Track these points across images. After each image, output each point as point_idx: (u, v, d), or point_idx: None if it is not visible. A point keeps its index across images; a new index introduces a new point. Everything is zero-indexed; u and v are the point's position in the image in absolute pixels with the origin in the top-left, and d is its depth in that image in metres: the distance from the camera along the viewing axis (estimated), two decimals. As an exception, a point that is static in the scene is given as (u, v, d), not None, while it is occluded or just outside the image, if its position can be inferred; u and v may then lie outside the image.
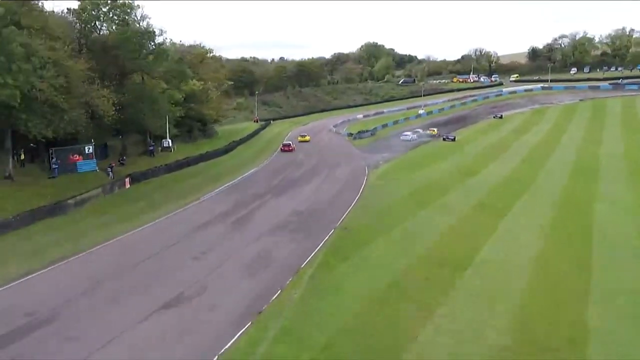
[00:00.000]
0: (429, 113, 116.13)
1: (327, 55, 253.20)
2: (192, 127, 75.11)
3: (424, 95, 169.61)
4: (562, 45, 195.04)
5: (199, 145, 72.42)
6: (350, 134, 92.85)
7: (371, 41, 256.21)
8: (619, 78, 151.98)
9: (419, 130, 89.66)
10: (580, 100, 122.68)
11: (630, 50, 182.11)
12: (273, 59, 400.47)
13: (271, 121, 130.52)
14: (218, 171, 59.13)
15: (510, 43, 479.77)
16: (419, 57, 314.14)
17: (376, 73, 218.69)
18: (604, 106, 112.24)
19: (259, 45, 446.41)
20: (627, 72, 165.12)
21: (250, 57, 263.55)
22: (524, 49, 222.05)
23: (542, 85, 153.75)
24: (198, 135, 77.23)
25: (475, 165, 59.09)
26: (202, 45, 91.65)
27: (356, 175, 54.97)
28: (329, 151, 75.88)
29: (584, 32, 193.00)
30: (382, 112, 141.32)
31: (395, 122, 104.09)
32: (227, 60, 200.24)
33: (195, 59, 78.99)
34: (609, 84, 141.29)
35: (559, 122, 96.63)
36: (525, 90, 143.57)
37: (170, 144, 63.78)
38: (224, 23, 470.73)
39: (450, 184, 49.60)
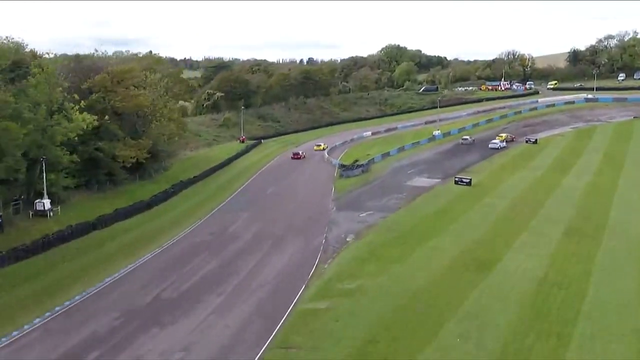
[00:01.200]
0: (446, 134, 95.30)
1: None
2: (111, 170, 55.59)
3: (445, 107, 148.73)
4: (609, 47, 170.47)
5: (117, 196, 53.88)
6: (342, 166, 73.52)
7: (393, 43, 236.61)
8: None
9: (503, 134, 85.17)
10: (635, 117, 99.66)
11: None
12: (302, 59, 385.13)
13: (261, 140, 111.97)
14: (97, 256, 39.53)
15: (548, 43, 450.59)
16: (449, 58, 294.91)
17: (396, 79, 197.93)
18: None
19: (287, 45, 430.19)
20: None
21: (262, 60, 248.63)
22: (563, 49, 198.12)
23: (585, 95, 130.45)
24: (122, 180, 57.90)
25: (494, 245, 38.80)
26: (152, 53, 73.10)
27: (292, 276, 34.62)
28: (294, 201, 56.65)
29: (634, 31, 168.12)
30: (395, 129, 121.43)
31: (401, 149, 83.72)
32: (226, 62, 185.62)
33: (127, 71, 60.29)
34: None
35: (612, 152, 74.76)
36: (566, 103, 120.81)
37: (48, 206, 44.68)
38: (253, 23, 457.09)
39: (452, 300, 29.52)
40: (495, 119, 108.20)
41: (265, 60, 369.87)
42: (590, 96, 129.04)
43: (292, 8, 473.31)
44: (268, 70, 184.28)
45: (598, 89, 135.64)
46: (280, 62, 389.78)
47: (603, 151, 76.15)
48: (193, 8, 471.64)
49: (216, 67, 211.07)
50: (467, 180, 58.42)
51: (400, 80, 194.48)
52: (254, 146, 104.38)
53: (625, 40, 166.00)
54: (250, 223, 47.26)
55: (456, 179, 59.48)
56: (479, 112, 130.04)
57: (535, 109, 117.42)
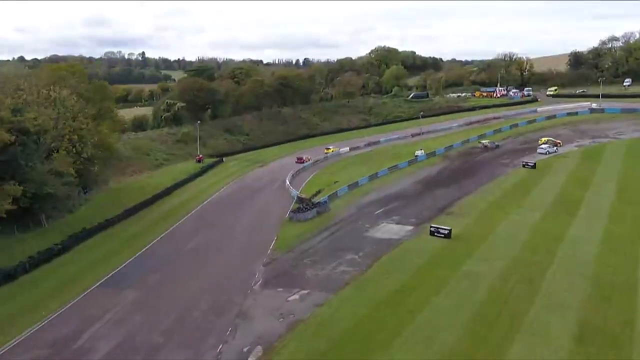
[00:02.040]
0: (430, 154, 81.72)
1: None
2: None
3: (435, 115, 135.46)
4: (613, 50, 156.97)
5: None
6: (299, 200, 60.16)
7: (383, 45, 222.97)
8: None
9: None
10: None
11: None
12: (298, 60, 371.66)
13: (223, 159, 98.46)
14: None
15: (548, 44, 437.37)
16: (445, 59, 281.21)
17: (385, 84, 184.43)
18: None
19: (286, 45, 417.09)
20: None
21: (258, 60, 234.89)
22: (563, 49, 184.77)
23: (589, 104, 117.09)
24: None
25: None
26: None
27: None
28: (212, 267, 42.34)
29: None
30: (378, 142, 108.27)
31: (373, 177, 70.15)
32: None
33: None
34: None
35: (628, 183, 61.36)
36: (568, 114, 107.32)
37: None
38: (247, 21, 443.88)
39: None
40: (488, 134, 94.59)
41: (260, 61, 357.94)
42: (595, 105, 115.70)
43: (292, 6, 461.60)
44: (251, 74, 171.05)
45: (602, 96, 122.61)
46: (276, 62, 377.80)
47: (617, 180, 62.72)
48: (191, 6, 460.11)
49: (196, 71, 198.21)
50: (446, 232, 44.95)
51: (389, 85, 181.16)
52: (211, 166, 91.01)
53: (631, 42, 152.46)
54: (124, 318, 33.00)
55: (432, 229, 45.97)
56: (471, 123, 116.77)
57: (534, 121, 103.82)
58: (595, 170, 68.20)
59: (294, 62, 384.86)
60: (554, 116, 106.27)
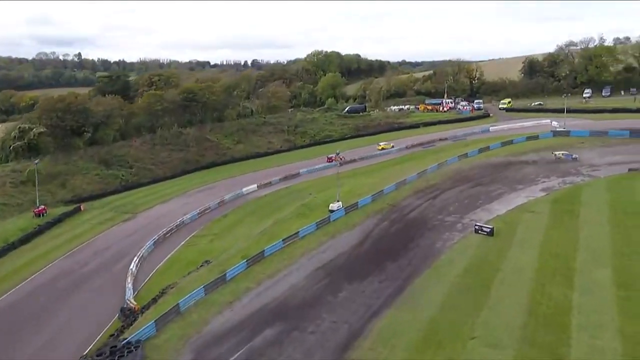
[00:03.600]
0: (351, 208, 59.04)
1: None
2: None
3: (372, 134, 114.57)
4: (570, 56, 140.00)
5: None
6: (124, 315, 36.45)
7: (319, 49, 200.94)
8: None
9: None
10: (631, 170, 66.37)
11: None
12: (246, 62, 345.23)
13: (81, 207, 73.20)
14: None
15: (500, 47, 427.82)
16: (394, 61, 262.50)
17: (319, 94, 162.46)
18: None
19: (240, 45, 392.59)
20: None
21: (204, 62, 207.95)
22: (516, 53, 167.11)
23: (551, 123, 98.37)
24: None
25: None
26: None
27: None
28: None
29: (600, 37, 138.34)
30: (298, 175, 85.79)
31: (257, 259, 46.66)
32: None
33: None
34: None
35: (627, 265, 40.23)
36: (528, 138, 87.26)
37: None
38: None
39: None
40: (429, 171, 72.90)
41: (208, 62, 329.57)
42: (556, 124, 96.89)
43: (246, 6, 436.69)
44: (171, 80, 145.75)
45: (560, 111, 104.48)
46: (224, 63, 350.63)
47: (611, 264, 41.53)
48: (142, 6, 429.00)
49: (110, 78, 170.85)
50: None
51: (324, 95, 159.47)
52: (57, 222, 65.83)
53: (590, 47, 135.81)
54: None
55: None
56: (413, 146, 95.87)
57: (488, 148, 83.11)
58: (577, 238, 47.08)
59: (242, 63, 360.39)
60: (511, 141, 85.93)
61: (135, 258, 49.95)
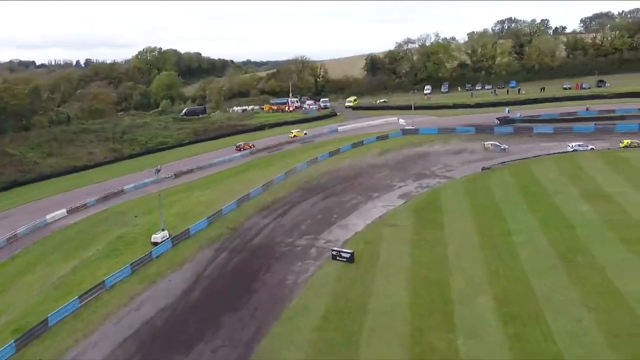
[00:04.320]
0: (180, 237, 46.58)
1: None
2: None
3: (212, 139, 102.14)
4: (409, 53, 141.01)
5: None
6: None
7: (153, 45, 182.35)
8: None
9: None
10: (485, 168, 62.85)
11: (496, 61, 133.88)
12: (78, 61, 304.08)
13: None
14: None
15: (343, 46, 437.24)
16: (238, 61, 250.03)
17: (154, 95, 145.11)
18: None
19: (74, 44, 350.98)
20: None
21: (29, 61, 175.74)
22: (356, 51, 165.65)
23: (399, 121, 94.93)
24: None
25: None
26: None
27: None
28: None
29: (436, 34, 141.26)
30: (121, 193, 70.40)
31: (40, 332, 32.35)
32: None
33: None
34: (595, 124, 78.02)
35: (510, 287, 33.86)
36: (378, 138, 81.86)
37: None
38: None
39: None
40: (276, 181, 63.00)
41: (33, 62, 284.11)
42: (403, 122, 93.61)
43: (79, 4, 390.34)
44: None
45: (405, 107, 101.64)
46: (53, 63, 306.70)
47: (490, 290, 34.97)
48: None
49: None
50: None
51: (160, 97, 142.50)
52: None
53: (427, 44, 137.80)
54: None
55: None
56: (258, 151, 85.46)
57: (338, 150, 75.79)
58: (446, 256, 40.45)
59: (74, 63, 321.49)
60: (362, 142, 79.80)
61: None
